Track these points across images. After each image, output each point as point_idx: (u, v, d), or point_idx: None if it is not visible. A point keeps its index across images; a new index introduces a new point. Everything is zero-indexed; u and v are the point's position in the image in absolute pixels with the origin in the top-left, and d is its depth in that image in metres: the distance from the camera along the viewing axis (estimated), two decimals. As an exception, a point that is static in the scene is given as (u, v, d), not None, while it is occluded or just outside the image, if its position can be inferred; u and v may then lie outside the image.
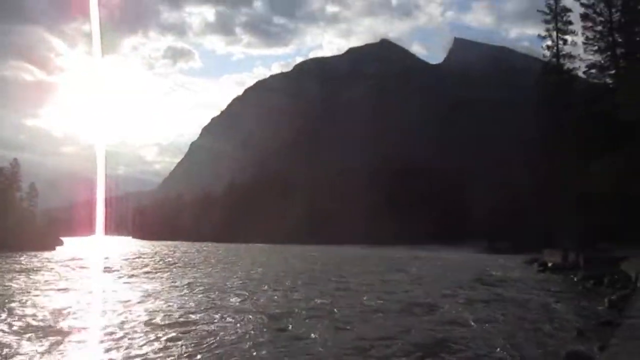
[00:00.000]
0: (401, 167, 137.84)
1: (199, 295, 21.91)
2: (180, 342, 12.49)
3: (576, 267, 32.74)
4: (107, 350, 11.94)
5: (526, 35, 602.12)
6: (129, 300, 20.00)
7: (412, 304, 18.96)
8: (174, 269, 38.11)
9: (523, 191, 65.49)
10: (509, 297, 21.36)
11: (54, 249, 78.92)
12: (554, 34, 45.11)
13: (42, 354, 11.48)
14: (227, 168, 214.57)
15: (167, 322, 15.17)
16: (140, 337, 13.08)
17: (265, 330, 14.16)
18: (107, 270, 36.86)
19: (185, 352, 11.59)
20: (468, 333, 13.57)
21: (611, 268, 27.27)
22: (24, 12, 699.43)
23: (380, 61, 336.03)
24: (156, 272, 35.00)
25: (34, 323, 14.96)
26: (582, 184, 35.29)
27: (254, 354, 11.54)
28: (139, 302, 19.56)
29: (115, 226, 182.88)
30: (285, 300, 20.83)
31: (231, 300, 20.38)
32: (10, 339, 12.81)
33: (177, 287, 25.43)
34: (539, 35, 46.49)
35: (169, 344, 12.32)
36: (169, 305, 18.56)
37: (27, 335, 13.17)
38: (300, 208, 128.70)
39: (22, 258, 51.17)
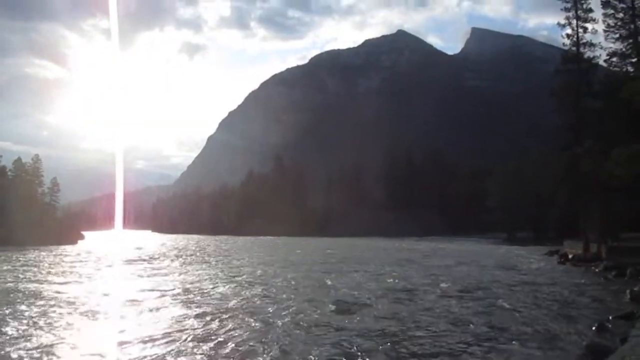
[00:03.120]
0: (417, 159, 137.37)
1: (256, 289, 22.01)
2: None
3: (598, 258, 32.32)
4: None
5: (545, 24, 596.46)
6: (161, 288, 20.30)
7: (448, 290, 20.28)
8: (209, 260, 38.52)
9: (543, 182, 64.75)
10: (528, 289, 21.17)
11: (76, 242, 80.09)
12: (574, 22, 44.23)
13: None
14: (244, 161, 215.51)
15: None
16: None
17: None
18: (131, 262, 37.39)
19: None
20: (490, 324, 13.50)
21: (634, 259, 26.88)
22: (43, 9, 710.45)
23: (396, 52, 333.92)
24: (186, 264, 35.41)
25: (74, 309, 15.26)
26: (604, 173, 34.70)
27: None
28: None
29: (135, 220, 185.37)
30: (366, 283, 23.05)
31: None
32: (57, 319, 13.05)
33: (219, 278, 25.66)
34: (558, 24, 45.65)
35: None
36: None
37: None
38: (316, 201, 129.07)
39: (45, 252, 52.07)
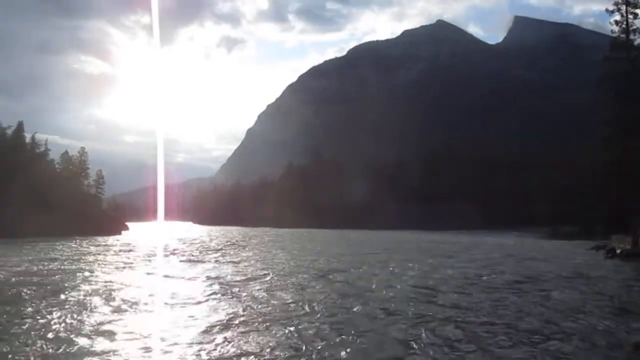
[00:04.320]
0: (456, 151, 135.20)
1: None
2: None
3: (648, 253, 31.12)
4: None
5: (591, 11, 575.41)
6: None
7: (499, 282, 19.66)
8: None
9: (589, 174, 62.68)
10: (576, 284, 20.54)
11: (120, 233, 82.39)
12: (623, 7, 42.49)
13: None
14: (283, 154, 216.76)
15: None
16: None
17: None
18: (176, 252, 38.21)
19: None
20: (540, 317, 13.19)
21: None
22: (88, 7, 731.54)
23: (436, 43, 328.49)
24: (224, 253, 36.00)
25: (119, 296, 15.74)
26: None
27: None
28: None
29: (177, 212, 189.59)
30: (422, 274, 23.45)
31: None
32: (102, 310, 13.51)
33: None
34: (606, 10, 43.89)
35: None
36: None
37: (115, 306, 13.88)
38: (354, 193, 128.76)
39: (92, 242, 53.72)
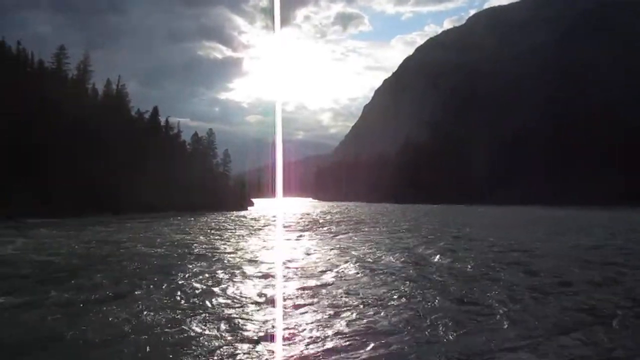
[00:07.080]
0: (593, 116, 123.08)
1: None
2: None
3: None
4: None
5: None
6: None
7: None
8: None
9: None
10: None
11: (247, 208, 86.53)
12: None
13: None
14: (400, 129, 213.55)
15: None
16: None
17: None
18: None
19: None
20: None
21: None
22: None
23: (567, 2, 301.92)
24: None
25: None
26: None
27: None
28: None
29: (296, 188, 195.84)
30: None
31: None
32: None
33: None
34: None
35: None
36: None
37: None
38: (475, 167, 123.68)
39: (224, 217, 56.72)
